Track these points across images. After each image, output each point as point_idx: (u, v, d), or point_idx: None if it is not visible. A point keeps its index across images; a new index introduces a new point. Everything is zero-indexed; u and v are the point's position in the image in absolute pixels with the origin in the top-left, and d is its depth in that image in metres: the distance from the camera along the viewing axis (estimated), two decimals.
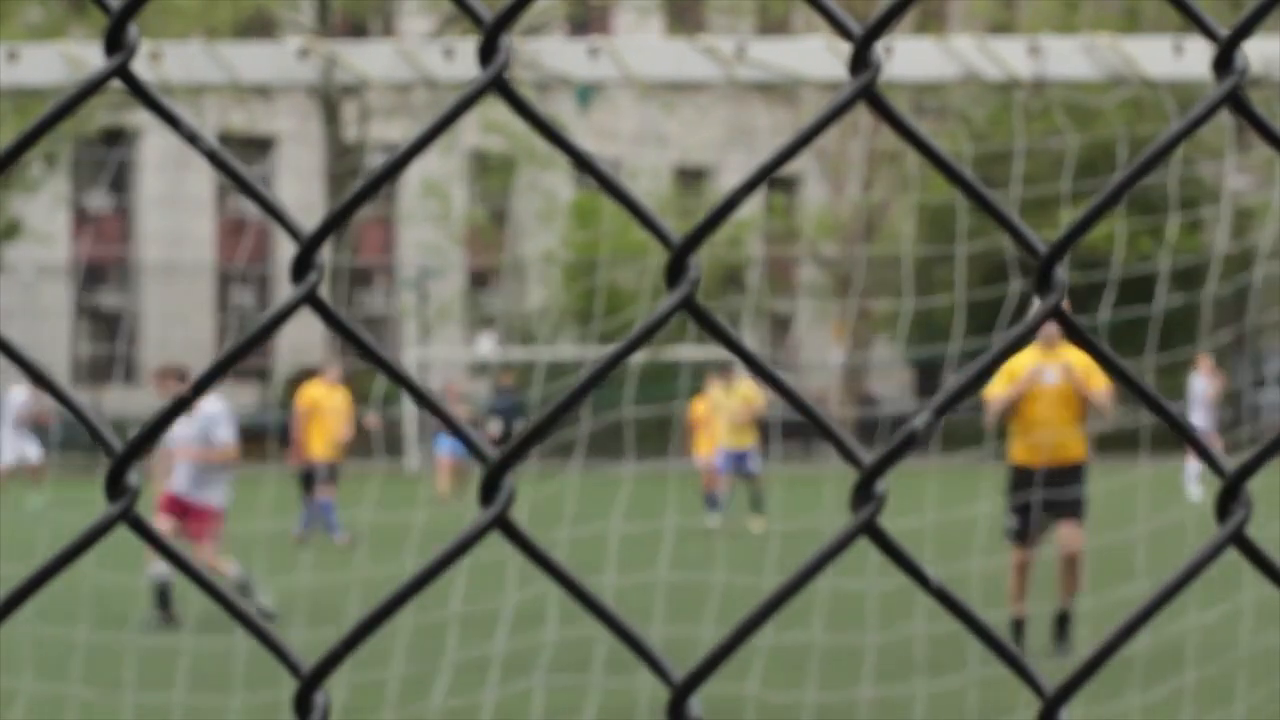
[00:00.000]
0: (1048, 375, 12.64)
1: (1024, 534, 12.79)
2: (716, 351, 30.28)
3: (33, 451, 30.43)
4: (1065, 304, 1.36)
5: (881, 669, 11.81)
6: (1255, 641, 12.00)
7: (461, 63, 8.62)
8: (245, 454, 31.19)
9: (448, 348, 53.28)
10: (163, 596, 15.06)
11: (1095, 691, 10.33)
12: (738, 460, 25.38)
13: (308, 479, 24.14)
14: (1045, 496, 12.67)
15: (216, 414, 15.24)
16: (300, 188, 53.38)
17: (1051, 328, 12.55)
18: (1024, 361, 12.65)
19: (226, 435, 15.28)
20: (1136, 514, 14.46)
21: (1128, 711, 10.55)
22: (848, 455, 1.34)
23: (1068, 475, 12.81)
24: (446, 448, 29.37)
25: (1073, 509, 12.78)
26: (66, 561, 1.26)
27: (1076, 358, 12.76)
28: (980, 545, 13.73)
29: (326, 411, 24.06)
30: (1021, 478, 12.82)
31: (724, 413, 25.30)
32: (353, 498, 24.16)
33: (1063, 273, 1.34)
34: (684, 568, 15.91)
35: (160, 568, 14.88)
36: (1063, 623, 12.88)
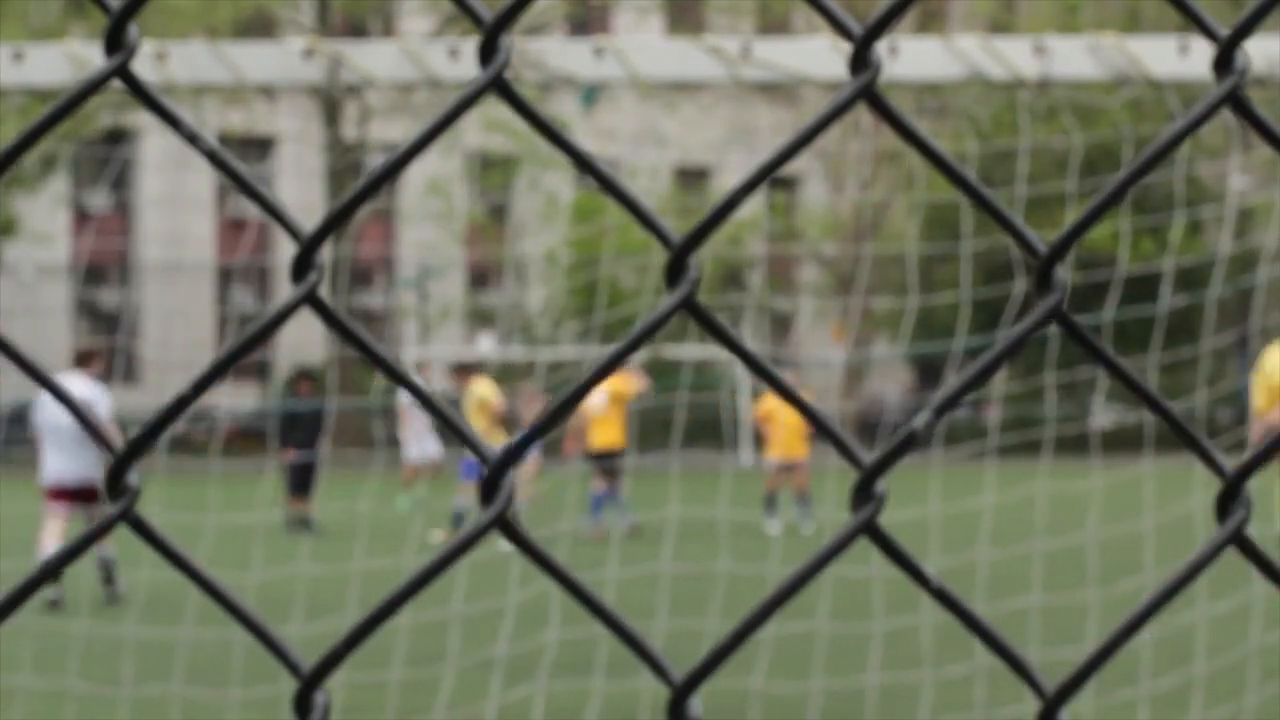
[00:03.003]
0: None
1: None
2: (717, 350, 30.28)
3: (433, 448, 29.67)
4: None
5: (887, 658, 11.82)
6: (1266, 635, 11.99)
7: (466, 63, 8.62)
8: (244, 450, 31.15)
9: (448, 346, 53.31)
10: (106, 573, 16.26)
11: (1103, 682, 10.33)
12: (470, 469, 23.51)
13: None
14: None
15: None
16: (300, 188, 53.40)
17: None
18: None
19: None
20: (1142, 508, 14.48)
21: (1136, 702, 10.55)
22: (848, 455, 1.34)
23: None
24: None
25: None
26: (67, 561, 1.26)
27: None
28: (984, 538, 13.74)
29: (622, 402, 24.67)
30: None
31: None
32: (351, 492, 24.20)
33: (1063, 273, 1.34)
34: (687, 560, 15.93)
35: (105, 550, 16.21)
36: None
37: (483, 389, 23.30)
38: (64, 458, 16.20)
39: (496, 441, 23.10)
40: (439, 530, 23.32)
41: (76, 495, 16.27)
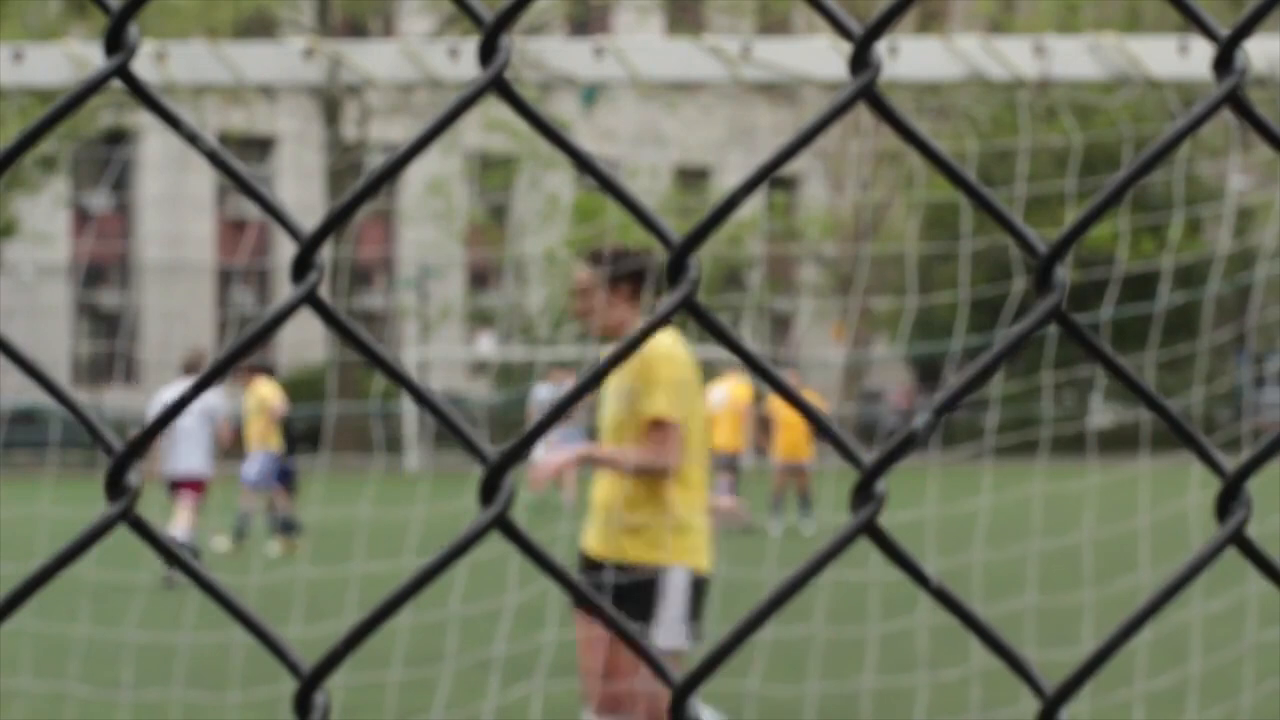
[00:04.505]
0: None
1: None
2: (717, 350, 30.30)
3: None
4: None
5: (883, 662, 11.82)
6: (1261, 633, 11.98)
7: (466, 63, 8.61)
8: (243, 451, 31.37)
9: (448, 347, 53.31)
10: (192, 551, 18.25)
11: (1099, 682, 10.33)
12: (251, 474, 22.44)
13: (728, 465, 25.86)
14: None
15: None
16: (300, 188, 53.41)
17: None
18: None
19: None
20: (1138, 508, 14.48)
21: (1131, 702, 10.55)
22: (848, 455, 1.34)
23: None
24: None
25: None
26: (66, 562, 1.26)
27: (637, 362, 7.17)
28: (981, 539, 13.74)
29: (744, 407, 25.30)
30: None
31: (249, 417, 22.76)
32: (352, 495, 24.17)
33: (1063, 272, 1.34)
34: None
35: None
36: None
37: (264, 390, 22.55)
38: (183, 452, 18.77)
39: (274, 442, 22.55)
40: (223, 536, 22.51)
41: (192, 485, 18.83)
